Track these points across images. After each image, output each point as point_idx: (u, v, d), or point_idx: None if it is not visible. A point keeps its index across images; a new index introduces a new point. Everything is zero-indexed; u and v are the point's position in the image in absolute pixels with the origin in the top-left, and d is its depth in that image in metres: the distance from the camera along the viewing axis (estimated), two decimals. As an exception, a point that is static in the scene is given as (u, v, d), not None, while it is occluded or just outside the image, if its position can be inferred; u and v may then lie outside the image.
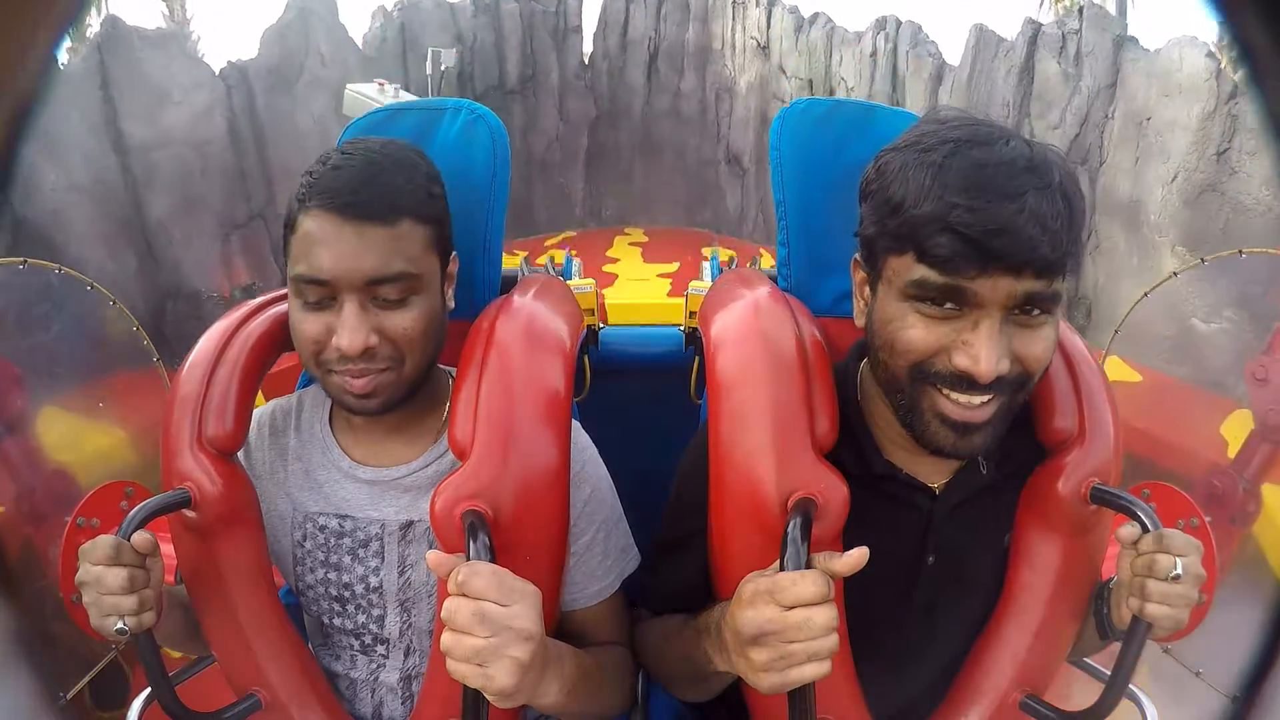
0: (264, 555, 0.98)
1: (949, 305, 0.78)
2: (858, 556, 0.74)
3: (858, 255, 0.90)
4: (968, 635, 0.99)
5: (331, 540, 1.02)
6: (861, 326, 0.90)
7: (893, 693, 1.00)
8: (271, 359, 1.02)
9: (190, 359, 0.97)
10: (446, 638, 0.73)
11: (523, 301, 1.04)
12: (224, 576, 0.94)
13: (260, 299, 1.06)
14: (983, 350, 0.76)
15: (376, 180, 0.91)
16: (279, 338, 1.03)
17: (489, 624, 0.72)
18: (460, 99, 1.19)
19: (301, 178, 0.93)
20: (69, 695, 1.28)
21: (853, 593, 0.86)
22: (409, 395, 0.96)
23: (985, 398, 0.79)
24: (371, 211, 0.89)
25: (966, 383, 0.78)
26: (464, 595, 0.73)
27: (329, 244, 0.89)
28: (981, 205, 0.74)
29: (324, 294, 0.90)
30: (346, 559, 1.01)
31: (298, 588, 1.06)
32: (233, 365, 0.96)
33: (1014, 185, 0.74)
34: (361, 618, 1.02)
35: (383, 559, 1.01)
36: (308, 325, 0.92)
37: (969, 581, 0.97)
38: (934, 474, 0.93)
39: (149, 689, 0.89)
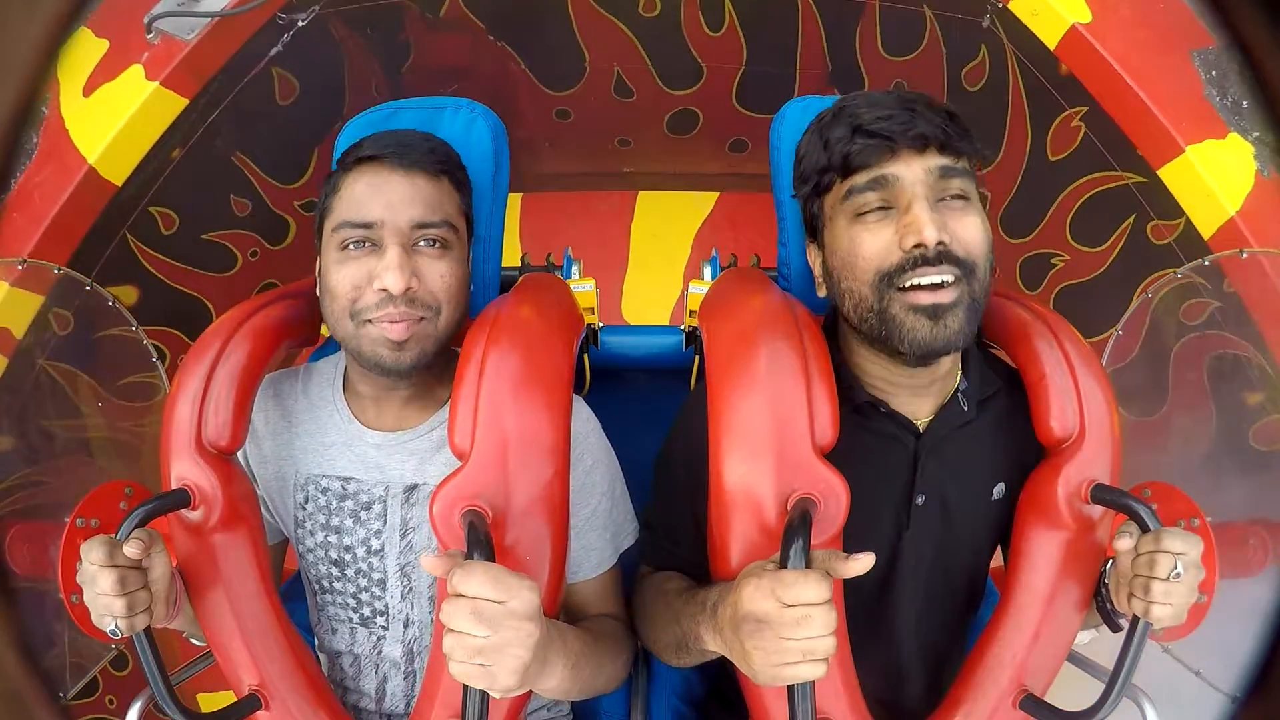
0: (264, 555, 0.98)
1: (882, 206, 0.88)
2: (864, 561, 0.76)
3: (809, 241, 1.02)
4: (959, 597, 1.02)
5: (333, 503, 1.03)
6: (825, 295, 1.00)
7: (887, 655, 1.02)
8: (271, 358, 1.02)
9: (190, 358, 0.97)
10: (447, 640, 0.73)
11: (523, 301, 1.04)
12: (223, 576, 0.94)
13: (260, 297, 1.06)
14: (919, 218, 0.85)
15: (424, 141, 1.00)
16: (279, 336, 1.03)
17: (487, 622, 0.72)
18: (461, 98, 1.19)
19: (340, 159, 1.02)
20: (69, 695, 1.28)
21: (851, 544, 0.87)
22: (435, 357, 0.98)
23: (945, 276, 0.85)
24: (421, 163, 0.97)
25: (923, 260, 0.85)
26: (460, 596, 0.73)
27: (378, 191, 0.94)
28: (866, 107, 0.90)
29: (367, 238, 0.94)
30: (348, 521, 1.02)
31: (299, 551, 1.07)
32: (233, 365, 0.96)
33: (889, 98, 0.91)
34: (362, 581, 1.03)
35: (385, 521, 1.02)
36: (346, 272, 0.94)
37: (959, 528, 1.00)
38: (917, 409, 0.98)
39: (149, 689, 0.90)
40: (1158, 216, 1.73)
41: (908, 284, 0.86)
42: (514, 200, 2.63)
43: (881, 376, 0.98)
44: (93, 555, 0.81)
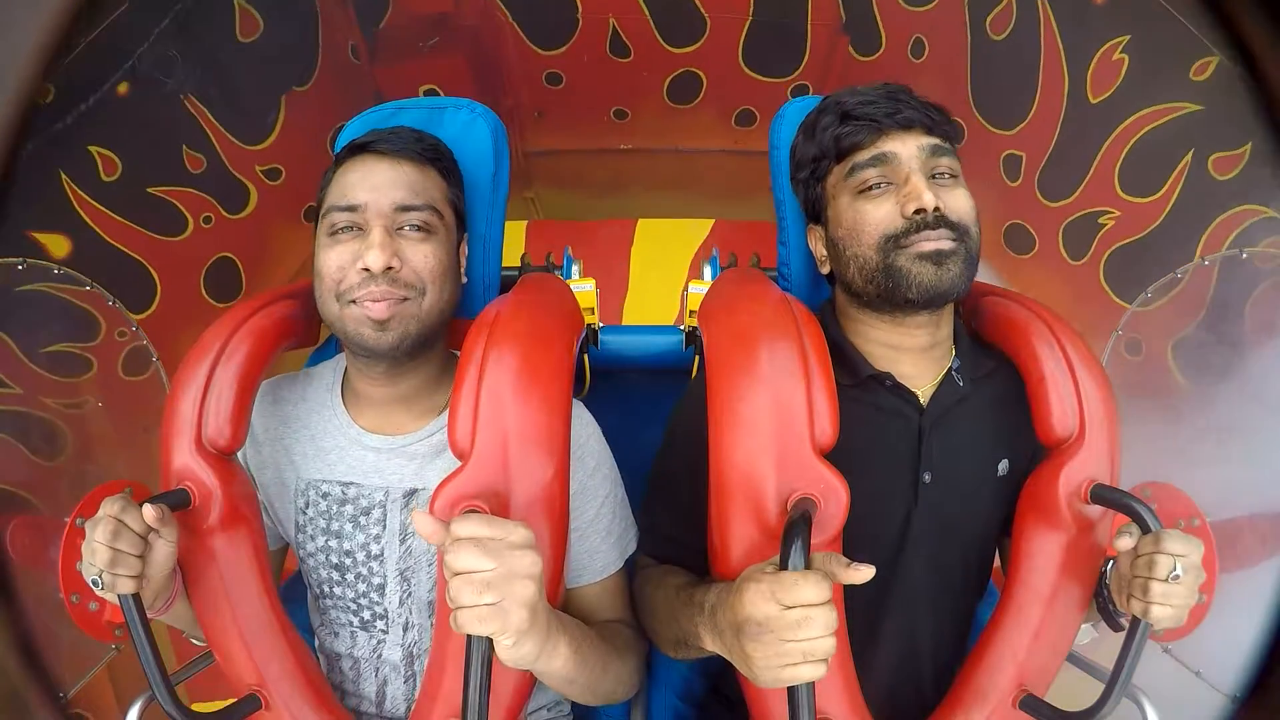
0: (263, 555, 0.98)
1: (883, 182, 0.97)
2: (865, 572, 0.76)
3: (810, 225, 1.08)
4: (968, 578, 1.03)
5: (334, 507, 1.03)
6: (829, 271, 1.06)
7: (900, 640, 1.02)
8: (271, 358, 1.02)
9: (191, 358, 0.97)
10: (453, 586, 0.74)
11: (523, 301, 1.04)
12: (223, 576, 0.94)
13: (260, 297, 1.06)
14: (917, 186, 0.94)
15: (413, 134, 1.04)
16: (279, 337, 1.03)
17: (491, 554, 0.73)
18: (461, 98, 1.19)
19: (335, 156, 1.05)
20: (69, 695, 1.28)
21: (862, 525, 0.88)
22: (420, 344, 0.98)
23: (942, 241, 0.93)
24: (407, 151, 1.00)
25: (923, 224, 0.93)
26: (461, 539, 0.74)
27: (365, 177, 0.98)
28: (851, 97, 1.01)
29: (353, 222, 0.96)
30: (348, 526, 1.02)
31: (300, 556, 1.07)
32: (233, 365, 0.96)
33: (873, 89, 1.01)
34: (361, 586, 1.03)
35: (384, 526, 1.02)
36: (333, 254, 0.96)
37: (966, 506, 1.01)
38: (919, 380, 1.01)
39: (149, 689, 0.89)
40: (1219, 147, 1.51)
41: (910, 243, 0.94)
42: (518, 228, 2.72)
43: (885, 342, 1.01)
44: (106, 507, 0.83)
